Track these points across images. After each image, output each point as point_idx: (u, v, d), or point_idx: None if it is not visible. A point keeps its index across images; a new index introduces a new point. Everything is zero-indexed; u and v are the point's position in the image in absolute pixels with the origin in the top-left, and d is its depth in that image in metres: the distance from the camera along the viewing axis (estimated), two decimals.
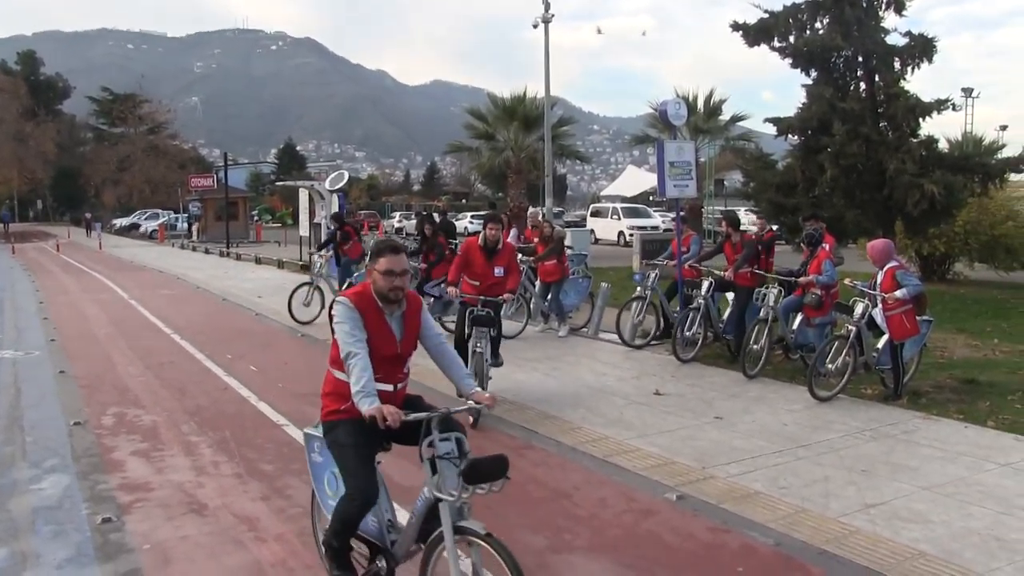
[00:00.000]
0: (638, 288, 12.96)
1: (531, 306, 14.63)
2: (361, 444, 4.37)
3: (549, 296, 14.06)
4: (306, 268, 25.25)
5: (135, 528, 5.93)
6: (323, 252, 16.66)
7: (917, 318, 9.29)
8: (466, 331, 9.14)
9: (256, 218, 61.28)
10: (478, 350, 9.02)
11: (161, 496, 6.61)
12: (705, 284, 11.63)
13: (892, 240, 12.76)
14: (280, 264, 28.79)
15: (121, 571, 5.26)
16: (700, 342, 11.54)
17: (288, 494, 6.62)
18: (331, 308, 4.06)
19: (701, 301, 11.49)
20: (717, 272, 11.77)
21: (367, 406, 4.09)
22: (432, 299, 13.67)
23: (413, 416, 4.12)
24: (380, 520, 4.53)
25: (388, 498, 4.67)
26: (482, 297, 9.26)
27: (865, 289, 9.46)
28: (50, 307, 18.56)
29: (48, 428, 8.60)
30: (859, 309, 9.38)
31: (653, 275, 12.68)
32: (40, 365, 11.99)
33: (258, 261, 30.98)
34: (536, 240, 14.62)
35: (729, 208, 42.61)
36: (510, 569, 3.86)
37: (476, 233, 10.54)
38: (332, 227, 17.23)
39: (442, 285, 12.50)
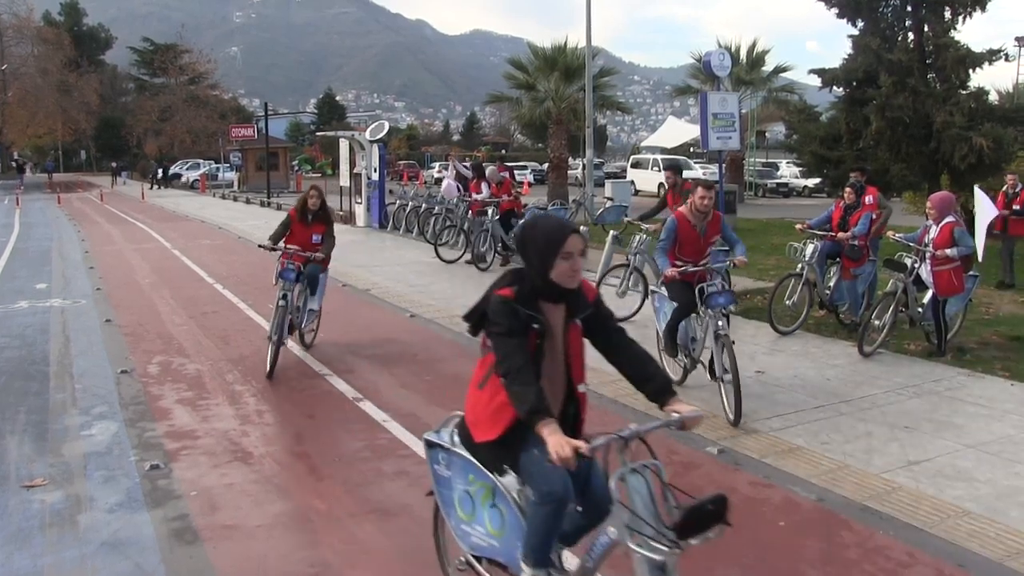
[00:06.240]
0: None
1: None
2: None
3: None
4: (345, 220, 25.31)
5: (182, 475, 6.06)
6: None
7: (964, 274, 9.14)
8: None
9: (296, 168, 61.45)
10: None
11: (207, 444, 6.73)
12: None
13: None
14: None
15: (170, 516, 5.37)
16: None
17: (331, 444, 6.71)
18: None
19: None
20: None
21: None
22: None
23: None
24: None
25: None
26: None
27: (912, 244, 9.31)
28: (95, 256, 18.83)
29: (96, 376, 8.78)
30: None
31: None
32: (87, 313, 12.19)
33: None
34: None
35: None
36: None
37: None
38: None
39: None
